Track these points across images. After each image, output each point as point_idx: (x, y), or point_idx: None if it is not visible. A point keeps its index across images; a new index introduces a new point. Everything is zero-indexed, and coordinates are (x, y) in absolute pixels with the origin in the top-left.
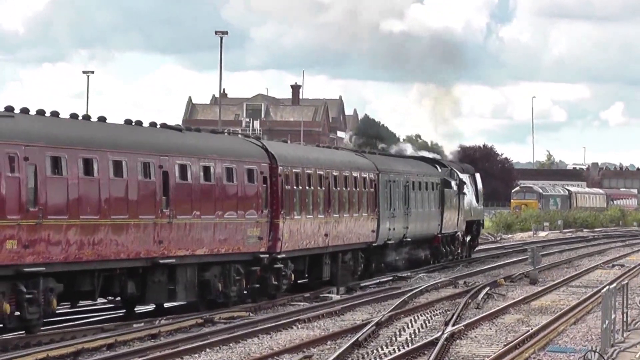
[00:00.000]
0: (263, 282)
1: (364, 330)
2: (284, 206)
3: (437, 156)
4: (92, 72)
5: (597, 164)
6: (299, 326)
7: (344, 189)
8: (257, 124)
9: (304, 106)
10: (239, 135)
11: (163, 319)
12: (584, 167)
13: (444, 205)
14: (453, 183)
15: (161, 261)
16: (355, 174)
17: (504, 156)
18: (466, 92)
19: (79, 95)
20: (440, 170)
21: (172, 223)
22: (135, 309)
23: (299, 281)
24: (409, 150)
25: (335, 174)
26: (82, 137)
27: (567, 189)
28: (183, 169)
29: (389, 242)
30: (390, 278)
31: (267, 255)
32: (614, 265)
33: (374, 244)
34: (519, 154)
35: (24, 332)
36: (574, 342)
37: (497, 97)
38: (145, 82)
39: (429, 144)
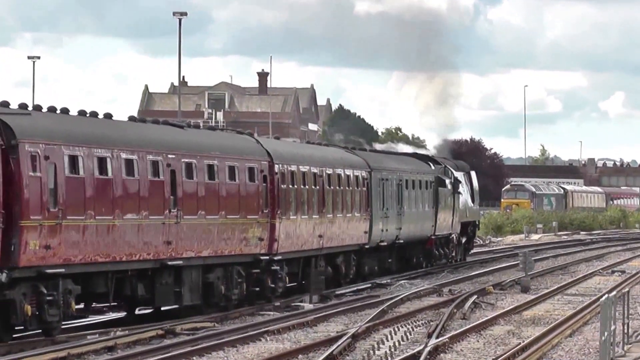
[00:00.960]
0: (260, 284)
1: (339, 342)
2: (280, 206)
3: (430, 152)
4: (39, 58)
5: (594, 159)
6: (268, 338)
7: (337, 187)
8: (220, 115)
9: (272, 96)
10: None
11: (119, 330)
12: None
13: (438, 205)
14: (447, 182)
15: (169, 263)
16: (347, 172)
17: (493, 151)
18: (452, 80)
19: (22, 82)
20: (433, 167)
21: (180, 223)
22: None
23: (287, 285)
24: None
25: (329, 172)
26: (96, 134)
27: (562, 187)
28: (189, 167)
29: (382, 243)
30: (369, 285)
31: (267, 257)
32: (613, 272)
33: (366, 246)
34: (509, 148)
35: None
36: (569, 356)
37: (485, 86)
38: (97, 68)
39: (410, 137)
